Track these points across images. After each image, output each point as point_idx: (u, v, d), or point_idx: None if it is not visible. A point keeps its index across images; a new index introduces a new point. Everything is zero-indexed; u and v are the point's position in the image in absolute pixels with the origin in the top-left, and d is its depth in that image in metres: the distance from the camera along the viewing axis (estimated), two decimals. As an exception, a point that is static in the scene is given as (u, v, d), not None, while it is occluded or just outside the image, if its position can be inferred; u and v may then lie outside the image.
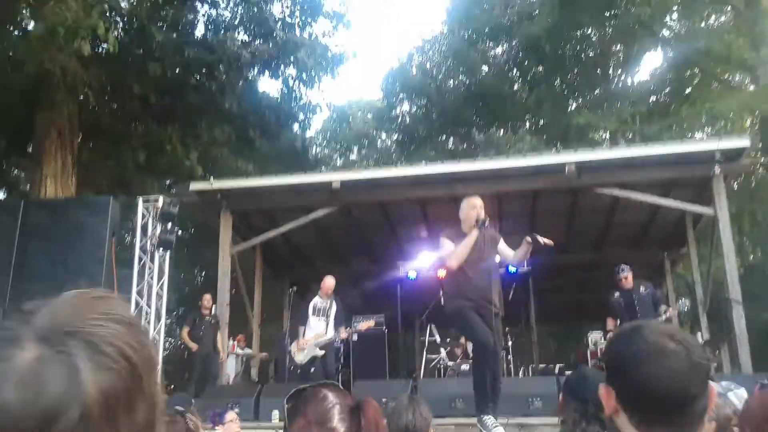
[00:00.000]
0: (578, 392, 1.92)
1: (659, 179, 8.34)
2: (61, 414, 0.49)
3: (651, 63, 43.52)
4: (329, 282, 7.47)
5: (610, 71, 21.03)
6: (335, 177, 8.53)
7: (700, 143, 8.31)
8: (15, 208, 7.50)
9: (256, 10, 12.50)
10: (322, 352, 7.15)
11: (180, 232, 17.86)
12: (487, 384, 4.48)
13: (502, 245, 4.84)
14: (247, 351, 10.55)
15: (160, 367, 0.63)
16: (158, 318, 8.40)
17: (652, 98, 19.03)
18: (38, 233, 7.25)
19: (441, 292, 4.89)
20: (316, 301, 7.43)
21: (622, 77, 21.10)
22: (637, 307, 7.10)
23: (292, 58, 12.05)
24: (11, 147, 11.83)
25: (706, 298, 9.72)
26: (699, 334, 9.38)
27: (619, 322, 7.12)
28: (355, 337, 9.53)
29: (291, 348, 7.32)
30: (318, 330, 7.27)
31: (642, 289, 7.19)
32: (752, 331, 7.77)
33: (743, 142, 8.03)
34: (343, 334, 7.38)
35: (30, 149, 10.84)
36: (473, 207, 4.73)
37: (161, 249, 8.51)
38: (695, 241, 10.15)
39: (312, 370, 7.04)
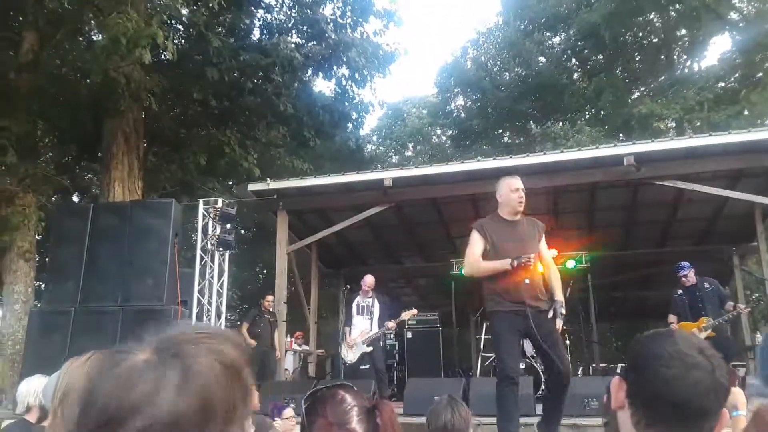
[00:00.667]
0: None
1: (725, 170, 7.95)
2: (138, 413, 0.58)
3: (718, 47, 41.57)
4: (369, 280, 7.61)
5: (675, 57, 20.18)
6: (387, 175, 8.54)
7: (767, 131, 7.84)
8: (85, 211, 7.88)
9: (309, 12, 12.70)
10: (371, 348, 7.28)
11: (242, 231, 18.42)
12: (512, 406, 3.96)
13: (542, 245, 4.24)
14: (305, 347, 10.77)
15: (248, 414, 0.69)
16: (218, 315, 8.70)
17: (720, 84, 18.14)
18: (106, 235, 7.57)
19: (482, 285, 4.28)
20: (359, 300, 7.57)
21: (688, 63, 20.23)
22: (701, 304, 6.83)
23: (344, 58, 12.18)
24: (82, 153, 12.47)
25: (778, 294, 9.22)
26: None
27: (679, 319, 6.86)
28: (409, 335, 9.58)
29: (341, 347, 7.46)
30: (363, 328, 7.42)
31: (706, 285, 6.90)
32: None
33: (817, 128, 7.57)
34: (391, 324, 7.47)
35: (99, 155, 11.39)
36: (515, 189, 4.18)
37: (221, 249, 8.81)
38: (765, 234, 9.62)
39: (362, 366, 7.18)
